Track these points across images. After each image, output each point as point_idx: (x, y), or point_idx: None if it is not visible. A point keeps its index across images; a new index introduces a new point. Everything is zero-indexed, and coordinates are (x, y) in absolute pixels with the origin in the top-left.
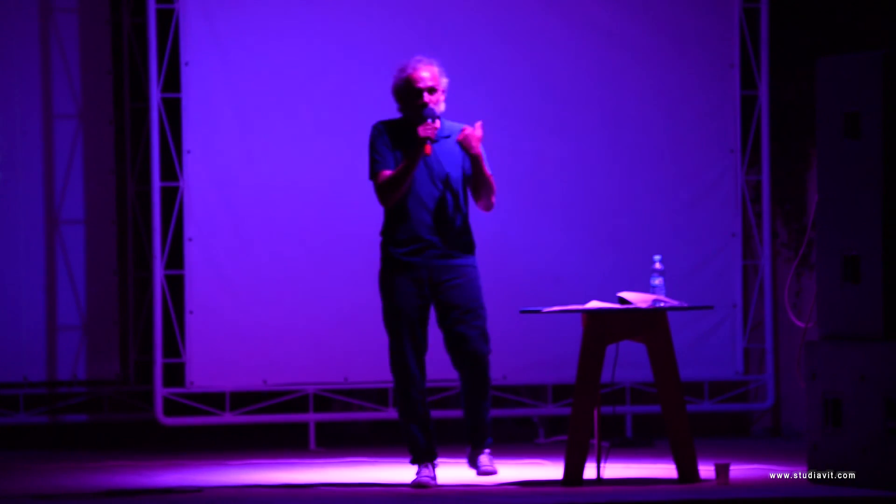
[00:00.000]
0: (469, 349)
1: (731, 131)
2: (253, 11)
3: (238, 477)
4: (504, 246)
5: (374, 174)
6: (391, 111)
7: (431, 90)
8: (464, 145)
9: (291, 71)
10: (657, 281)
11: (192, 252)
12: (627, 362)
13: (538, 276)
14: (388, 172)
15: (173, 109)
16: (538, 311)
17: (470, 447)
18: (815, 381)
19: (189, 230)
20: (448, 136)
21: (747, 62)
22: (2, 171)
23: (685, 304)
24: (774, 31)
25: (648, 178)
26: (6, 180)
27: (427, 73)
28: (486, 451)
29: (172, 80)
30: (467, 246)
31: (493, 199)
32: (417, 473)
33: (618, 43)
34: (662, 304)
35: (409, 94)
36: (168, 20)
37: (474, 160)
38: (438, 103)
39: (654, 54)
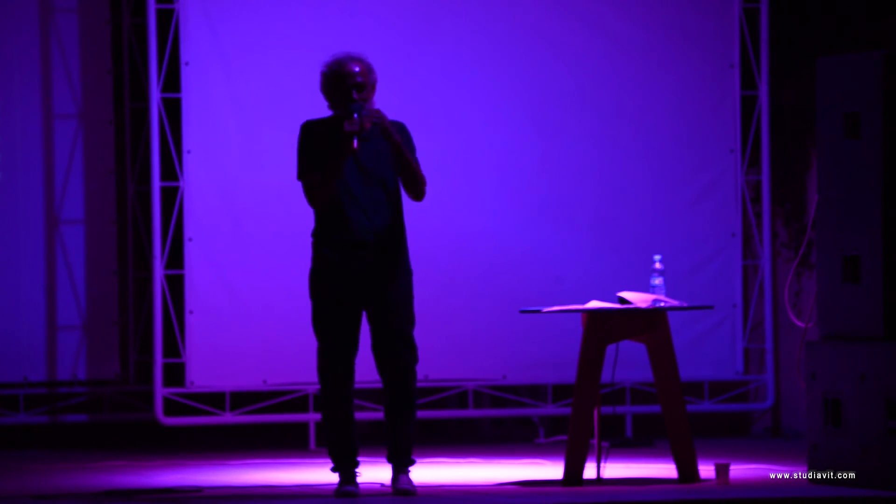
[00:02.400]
0: (394, 358)
1: (731, 131)
2: (253, 11)
3: (238, 477)
4: (504, 246)
5: (301, 174)
6: (393, 111)
7: (360, 87)
8: (384, 134)
9: (292, 71)
10: (657, 281)
11: (192, 252)
12: (627, 362)
13: (538, 276)
14: (315, 173)
15: (173, 109)
16: (538, 311)
17: (392, 466)
18: (815, 381)
19: (189, 230)
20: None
21: (747, 62)
22: (2, 171)
23: (685, 304)
24: (774, 31)
25: (648, 177)
26: (6, 180)
27: (356, 69)
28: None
29: (172, 80)
30: (401, 246)
31: (423, 188)
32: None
33: (618, 43)
34: (662, 304)
35: (336, 90)
36: (168, 20)
37: (393, 147)
38: (367, 100)
39: (654, 54)
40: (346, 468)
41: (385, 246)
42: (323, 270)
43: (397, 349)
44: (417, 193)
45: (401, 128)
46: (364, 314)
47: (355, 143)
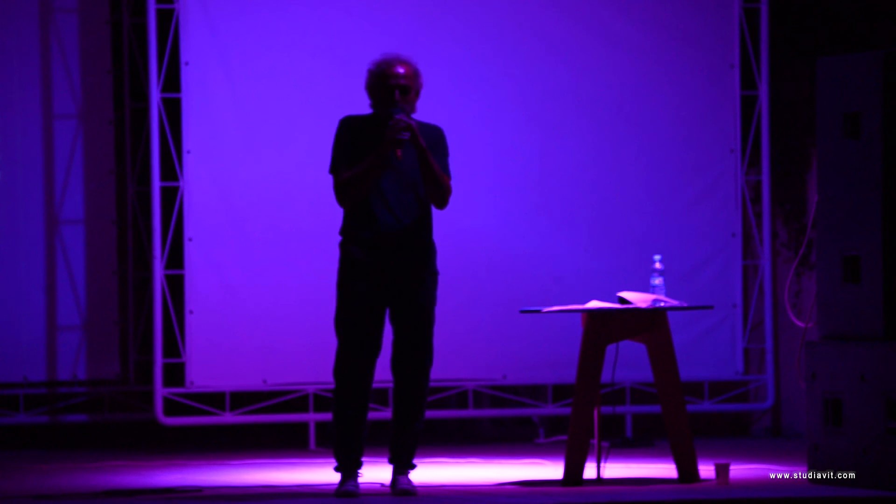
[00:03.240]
0: (410, 358)
1: (731, 131)
2: (253, 11)
3: (238, 477)
4: (504, 246)
5: (334, 169)
6: None
7: (405, 90)
8: (413, 142)
9: (292, 70)
10: (657, 281)
11: (192, 252)
12: (627, 362)
13: (538, 276)
14: (349, 171)
15: (173, 109)
16: (538, 311)
17: (392, 466)
18: (815, 381)
19: (189, 230)
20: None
21: (747, 62)
22: (2, 171)
23: (685, 304)
24: (774, 31)
25: (648, 178)
26: (6, 180)
27: (402, 71)
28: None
29: (172, 80)
30: (429, 250)
31: (446, 197)
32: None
33: (618, 43)
34: (662, 304)
35: (380, 90)
36: (168, 20)
37: (417, 150)
38: (411, 104)
39: (654, 54)
40: (349, 468)
41: (412, 247)
42: (350, 269)
43: (415, 348)
44: (439, 201)
45: (433, 132)
46: (387, 313)
47: (399, 152)
